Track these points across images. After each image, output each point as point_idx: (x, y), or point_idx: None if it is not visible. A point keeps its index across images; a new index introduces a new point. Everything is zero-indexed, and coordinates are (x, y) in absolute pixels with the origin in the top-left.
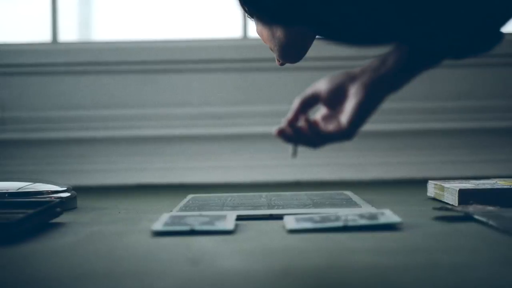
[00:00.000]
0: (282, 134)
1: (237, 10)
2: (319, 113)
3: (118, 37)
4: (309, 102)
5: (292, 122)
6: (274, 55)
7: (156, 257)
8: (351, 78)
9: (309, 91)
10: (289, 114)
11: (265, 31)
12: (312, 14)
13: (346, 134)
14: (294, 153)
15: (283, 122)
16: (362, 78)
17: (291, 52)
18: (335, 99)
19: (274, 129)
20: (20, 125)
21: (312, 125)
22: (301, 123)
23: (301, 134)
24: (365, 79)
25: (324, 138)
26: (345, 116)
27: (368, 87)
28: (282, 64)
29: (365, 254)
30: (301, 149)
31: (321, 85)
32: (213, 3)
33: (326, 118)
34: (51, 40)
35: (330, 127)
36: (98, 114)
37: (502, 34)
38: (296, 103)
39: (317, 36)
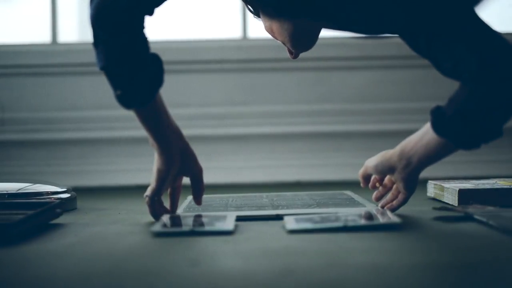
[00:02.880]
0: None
1: (240, 10)
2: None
3: None
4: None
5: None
6: (286, 48)
7: (156, 258)
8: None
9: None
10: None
11: (274, 25)
12: (315, 6)
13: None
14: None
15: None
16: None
17: (301, 40)
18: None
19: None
20: (20, 126)
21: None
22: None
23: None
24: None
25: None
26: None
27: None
28: (295, 57)
29: (365, 254)
30: (300, 149)
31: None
32: (213, 3)
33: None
34: (51, 41)
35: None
36: (98, 115)
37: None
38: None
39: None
